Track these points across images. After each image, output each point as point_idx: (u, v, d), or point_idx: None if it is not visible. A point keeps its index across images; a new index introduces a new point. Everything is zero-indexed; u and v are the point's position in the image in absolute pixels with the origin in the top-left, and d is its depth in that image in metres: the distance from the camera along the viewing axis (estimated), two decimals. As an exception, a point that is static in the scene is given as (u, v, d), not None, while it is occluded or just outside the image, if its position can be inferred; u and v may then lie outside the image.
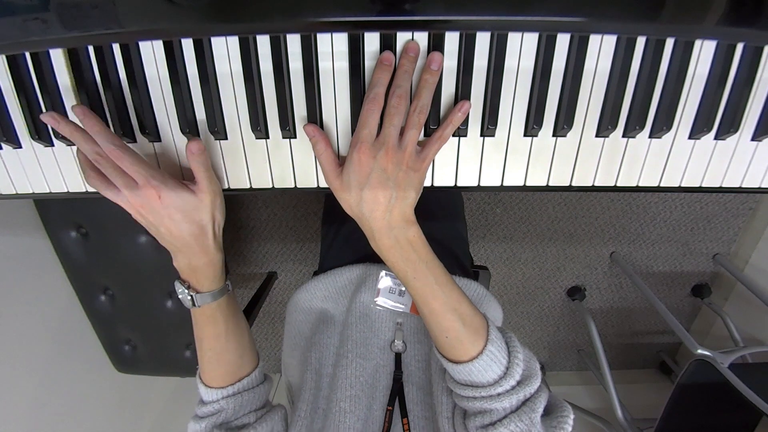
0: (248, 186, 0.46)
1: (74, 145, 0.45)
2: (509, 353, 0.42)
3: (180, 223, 0.39)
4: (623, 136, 0.43)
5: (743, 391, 0.94)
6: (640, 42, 0.40)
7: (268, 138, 0.44)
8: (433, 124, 0.41)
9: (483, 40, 0.39)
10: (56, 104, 0.43)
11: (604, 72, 0.41)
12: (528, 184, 0.45)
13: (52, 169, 0.47)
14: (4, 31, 0.37)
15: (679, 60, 0.40)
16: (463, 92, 0.41)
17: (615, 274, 1.62)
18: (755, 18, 0.35)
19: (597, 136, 0.43)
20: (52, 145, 0.46)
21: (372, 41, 0.40)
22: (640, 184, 0.45)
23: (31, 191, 0.48)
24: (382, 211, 0.39)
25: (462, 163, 0.44)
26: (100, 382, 1.08)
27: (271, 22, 0.37)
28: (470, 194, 1.44)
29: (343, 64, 0.41)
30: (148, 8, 0.36)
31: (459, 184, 0.45)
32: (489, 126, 0.41)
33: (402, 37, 0.39)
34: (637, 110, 0.41)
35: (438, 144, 0.40)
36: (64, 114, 0.43)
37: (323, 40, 0.40)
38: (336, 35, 0.40)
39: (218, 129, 0.42)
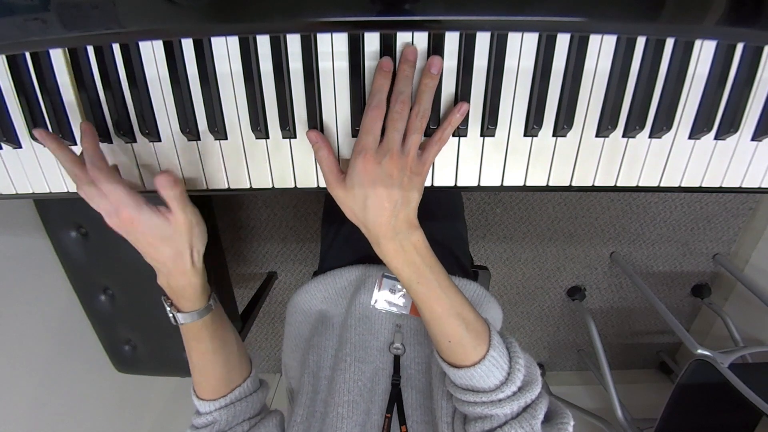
0: (248, 186, 0.46)
1: (75, 145, 0.46)
2: (510, 359, 0.42)
3: (157, 247, 0.40)
4: (623, 136, 0.43)
5: (743, 391, 0.94)
6: (640, 42, 0.40)
7: (268, 138, 0.44)
8: (433, 124, 0.41)
9: (483, 40, 0.39)
10: (56, 104, 0.43)
11: (604, 72, 0.41)
12: (528, 184, 0.45)
13: (52, 169, 0.47)
14: (4, 31, 0.37)
15: (679, 60, 0.40)
16: (463, 92, 0.41)
17: (615, 274, 1.62)
18: (755, 18, 0.35)
19: (597, 136, 0.43)
20: (52, 145, 0.46)
21: (372, 41, 0.40)
22: (640, 184, 0.45)
23: (31, 191, 0.48)
24: (388, 216, 0.39)
25: (462, 163, 0.44)
26: (100, 382, 1.08)
27: (271, 22, 0.37)
28: (470, 194, 1.44)
29: (343, 64, 0.41)
30: (148, 8, 0.36)
31: (459, 184, 0.45)
32: (489, 126, 0.41)
33: (402, 37, 0.39)
34: (637, 110, 0.41)
35: (438, 146, 0.40)
36: (64, 113, 0.44)
37: (323, 40, 0.40)
38: (336, 35, 0.40)
39: (218, 129, 0.42)
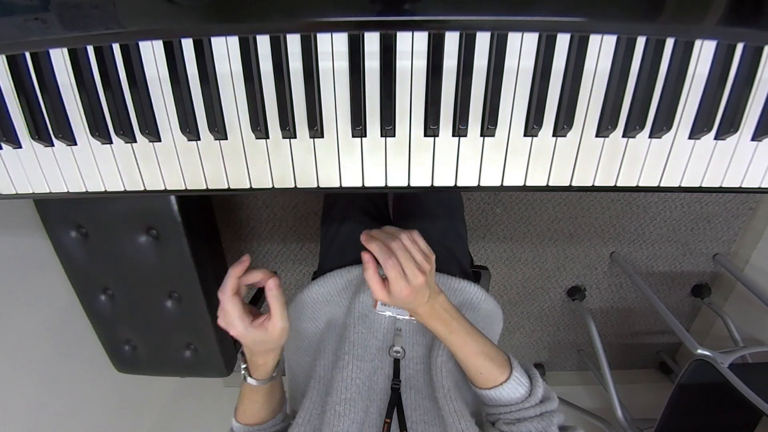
0: (248, 186, 0.46)
1: (75, 145, 0.46)
2: (531, 378, 0.52)
3: (250, 345, 0.50)
4: (623, 136, 0.43)
5: (743, 391, 0.94)
6: (640, 42, 0.40)
7: (268, 138, 0.44)
8: (433, 124, 0.41)
9: (483, 40, 0.39)
10: (56, 104, 0.43)
11: (604, 72, 0.41)
12: (528, 184, 0.45)
13: (52, 169, 0.47)
14: (4, 31, 0.37)
15: (679, 60, 0.40)
16: (463, 92, 0.41)
17: (615, 274, 1.62)
18: (755, 18, 0.35)
19: (597, 136, 0.43)
20: (52, 145, 0.46)
21: (372, 41, 0.40)
22: (640, 184, 0.45)
23: (31, 191, 0.48)
24: (423, 298, 0.50)
25: (462, 163, 0.44)
26: (100, 382, 1.08)
27: (271, 22, 0.37)
28: (470, 194, 1.44)
29: (343, 64, 0.41)
30: (148, 8, 0.36)
31: (459, 184, 0.45)
32: (489, 126, 0.41)
33: (402, 37, 0.39)
34: (637, 110, 0.41)
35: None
36: (64, 113, 0.44)
37: (323, 40, 0.40)
38: (336, 35, 0.40)
39: (218, 129, 0.42)
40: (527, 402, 0.50)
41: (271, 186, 0.46)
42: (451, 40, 0.39)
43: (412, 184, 0.45)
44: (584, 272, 1.61)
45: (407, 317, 0.61)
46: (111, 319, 1.01)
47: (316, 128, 0.42)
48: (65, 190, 0.48)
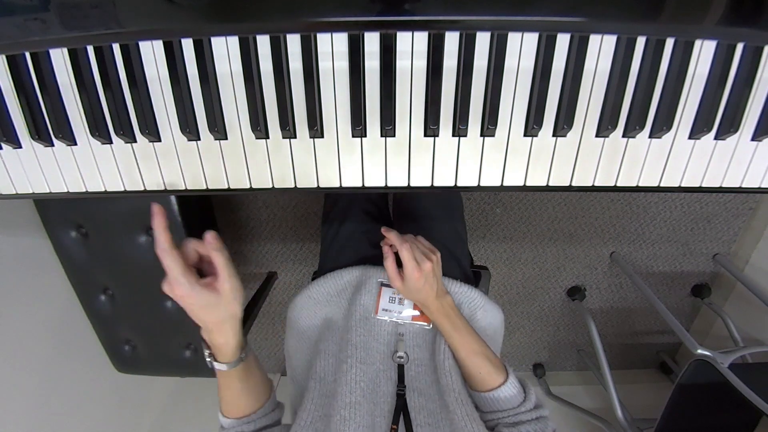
0: (248, 186, 0.46)
1: (75, 145, 0.46)
2: (523, 386, 0.55)
3: (203, 313, 0.46)
4: (623, 136, 0.43)
5: (743, 391, 0.94)
6: (640, 42, 0.40)
7: (268, 138, 0.44)
8: (433, 124, 0.41)
9: (483, 40, 0.39)
10: (56, 104, 0.43)
11: (604, 72, 0.41)
12: (528, 184, 0.45)
13: (52, 169, 0.47)
14: (4, 31, 0.37)
15: (679, 60, 0.40)
16: (463, 92, 0.41)
17: (615, 274, 1.61)
18: (755, 18, 0.35)
19: (597, 136, 0.43)
20: (52, 145, 0.46)
21: (372, 41, 0.40)
22: (640, 184, 0.45)
23: (31, 191, 0.48)
24: (432, 291, 0.57)
25: (462, 163, 0.44)
26: (100, 382, 1.08)
27: (271, 22, 0.37)
28: (470, 194, 1.44)
29: (343, 64, 0.41)
30: (148, 8, 0.36)
31: (459, 184, 0.45)
32: (489, 126, 0.41)
33: (402, 37, 0.39)
34: (637, 110, 0.41)
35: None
36: (64, 113, 0.44)
37: (323, 40, 0.40)
38: (336, 35, 0.40)
39: (218, 129, 0.42)
40: (523, 406, 0.52)
41: (271, 186, 0.46)
42: (451, 40, 0.39)
43: (412, 184, 0.45)
44: (584, 272, 1.61)
45: (409, 322, 0.61)
46: (111, 319, 1.01)
47: (316, 128, 0.42)
48: (65, 190, 0.48)
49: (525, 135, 0.43)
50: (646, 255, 1.57)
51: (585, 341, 1.76)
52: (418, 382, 0.54)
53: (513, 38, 0.39)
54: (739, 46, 0.40)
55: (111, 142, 0.45)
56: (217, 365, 0.50)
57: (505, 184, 0.45)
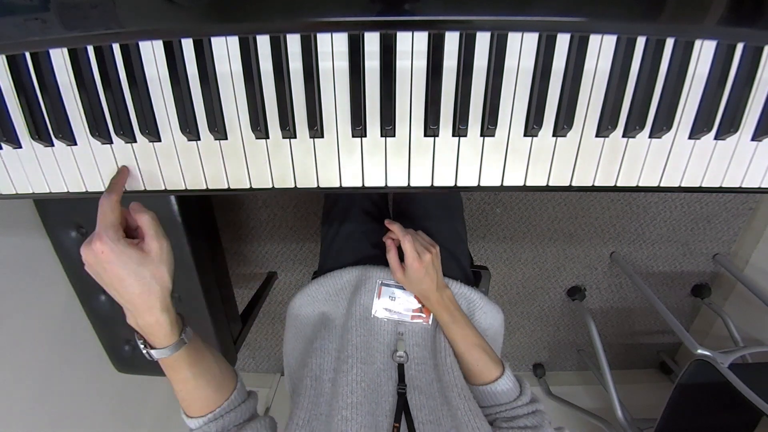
0: (248, 186, 0.46)
1: (75, 145, 0.46)
2: (519, 380, 0.57)
3: (124, 280, 0.40)
4: (623, 136, 0.43)
5: (743, 391, 0.94)
6: (640, 42, 0.40)
7: (268, 138, 0.44)
8: (433, 124, 0.41)
9: (483, 40, 0.39)
10: (56, 104, 0.43)
11: (604, 72, 0.41)
12: (528, 184, 0.45)
13: (52, 169, 0.47)
14: (4, 31, 0.37)
15: (679, 60, 0.40)
16: (463, 92, 0.41)
17: (615, 274, 1.62)
18: (755, 18, 0.35)
19: (597, 136, 0.43)
20: (52, 145, 0.46)
21: (372, 41, 0.40)
22: (640, 184, 0.45)
23: (31, 191, 0.48)
24: (432, 283, 0.59)
25: (462, 163, 0.44)
26: (100, 382, 1.08)
27: (271, 22, 0.37)
28: (470, 194, 1.44)
29: (343, 64, 0.41)
30: (148, 8, 0.36)
31: (459, 184, 0.45)
32: (489, 126, 0.41)
33: (402, 37, 0.39)
34: (637, 110, 0.41)
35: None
36: (64, 113, 0.44)
37: (323, 40, 0.40)
38: (336, 35, 0.40)
39: (218, 129, 0.42)
40: (519, 400, 0.54)
41: (271, 186, 0.46)
42: (451, 40, 0.39)
43: (412, 184, 0.45)
44: (584, 272, 1.61)
45: (408, 320, 0.62)
46: (111, 319, 1.01)
47: (316, 128, 0.42)
48: (65, 190, 0.48)
49: (525, 135, 0.43)
50: (646, 255, 1.58)
51: (585, 341, 1.76)
52: (418, 380, 0.54)
53: (513, 38, 0.39)
54: (739, 46, 0.40)
55: (111, 142, 0.45)
56: (156, 353, 0.44)
57: (505, 184, 0.45)
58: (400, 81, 0.41)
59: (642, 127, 0.42)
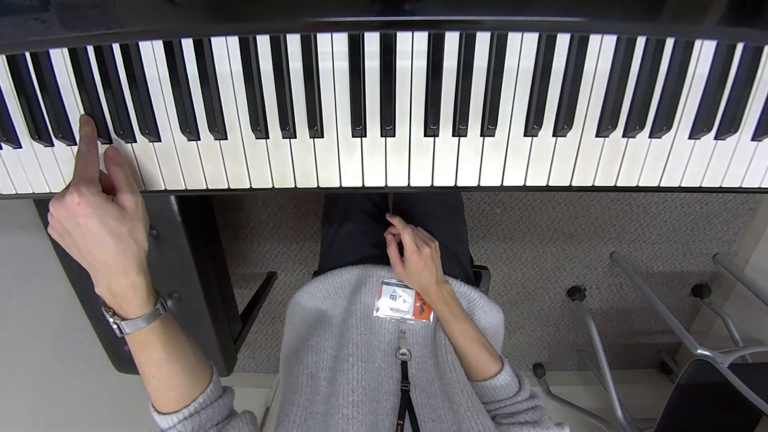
0: (248, 186, 0.46)
1: (75, 145, 0.46)
2: (518, 376, 0.58)
3: (98, 236, 0.36)
4: (623, 136, 0.43)
5: (743, 391, 0.94)
6: (640, 42, 0.40)
7: (268, 138, 0.44)
8: (433, 124, 0.41)
9: (483, 40, 0.39)
10: (56, 104, 0.43)
11: (604, 72, 0.41)
12: (528, 184, 0.45)
13: (52, 169, 0.47)
14: (4, 31, 0.37)
15: (679, 60, 0.40)
16: (463, 92, 0.41)
17: (615, 274, 1.62)
18: (755, 18, 0.35)
19: (597, 136, 0.43)
20: (52, 145, 0.46)
21: (372, 41, 0.40)
22: (640, 184, 0.45)
23: (31, 191, 0.48)
24: (432, 277, 0.60)
25: (462, 163, 0.44)
26: (100, 382, 1.08)
27: (271, 22, 0.37)
28: (470, 194, 1.44)
29: (343, 64, 0.41)
30: (148, 8, 0.36)
31: (459, 184, 0.45)
32: (489, 126, 0.41)
33: (402, 37, 0.39)
34: (637, 110, 0.41)
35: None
36: (64, 113, 0.44)
37: (323, 40, 0.40)
38: (336, 35, 0.40)
39: (218, 129, 0.42)
40: (519, 396, 0.55)
41: (271, 186, 0.46)
42: (451, 40, 0.39)
43: (412, 184, 0.45)
44: (584, 272, 1.61)
45: (409, 318, 0.62)
46: (111, 319, 1.01)
47: (316, 128, 0.42)
48: (65, 190, 0.48)
49: (525, 135, 0.43)
50: (646, 255, 1.58)
51: (585, 341, 1.76)
52: (419, 378, 0.54)
53: (513, 38, 0.39)
54: (739, 46, 0.40)
55: (111, 142, 0.45)
56: (128, 326, 0.39)
57: (505, 184, 0.45)
58: (400, 81, 0.41)
59: (642, 127, 0.42)
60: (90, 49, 0.41)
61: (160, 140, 0.44)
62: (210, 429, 0.45)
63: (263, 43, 0.40)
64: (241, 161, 0.45)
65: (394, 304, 0.62)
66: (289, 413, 0.50)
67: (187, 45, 0.40)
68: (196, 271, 0.91)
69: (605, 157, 0.44)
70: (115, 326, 0.39)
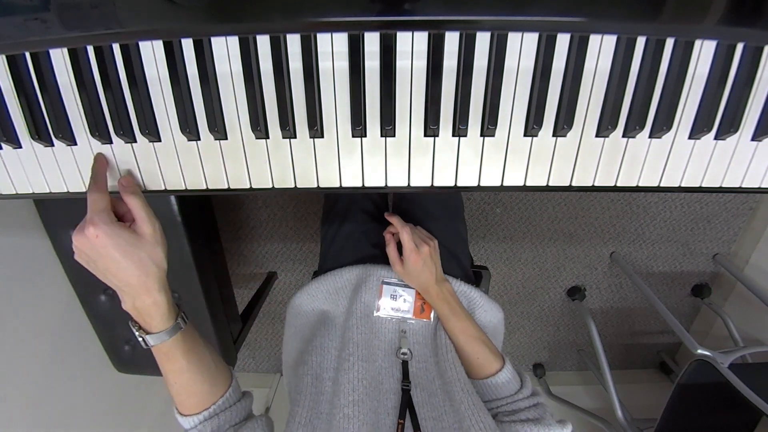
0: (248, 186, 0.46)
1: (75, 145, 0.46)
2: (519, 374, 0.57)
3: (120, 263, 0.40)
4: (623, 136, 0.43)
5: (743, 391, 0.94)
6: (640, 42, 0.40)
7: (268, 138, 0.44)
8: (433, 124, 0.41)
9: (483, 40, 0.39)
10: (56, 104, 0.43)
11: (604, 72, 0.41)
12: (528, 184, 0.45)
13: (52, 169, 0.47)
14: (4, 31, 0.37)
15: (679, 60, 0.40)
16: (463, 92, 0.41)
17: (615, 274, 1.62)
18: (755, 18, 0.35)
19: (597, 136, 0.43)
20: (52, 145, 0.46)
21: (372, 41, 0.40)
22: (640, 184, 0.45)
23: (31, 191, 0.48)
24: (432, 275, 0.60)
25: (462, 163, 0.44)
26: (100, 382, 1.08)
27: (271, 22, 0.37)
28: (470, 194, 1.44)
29: (343, 64, 0.41)
30: (148, 8, 0.36)
31: (459, 185, 0.45)
32: (489, 126, 0.41)
33: (402, 37, 0.39)
34: (637, 110, 0.41)
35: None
36: (64, 113, 0.44)
37: (323, 40, 0.40)
38: (336, 35, 0.40)
39: (218, 129, 0.42)
40: (520, 393, 0.54)
41: (271, 186, 0.46)
42: (451, 40, 0.39)
43: (412, 184, 0.45)
44: (584, 272, 1.61)
45: (410, 318, 0.62)
46: (111, 319, 1.01)
47: (316, 128, 0.42)
48: (65, 190, 0.48)
49: (525, 135, 0.43)
50: (646, 255, 1.58)
51: (585, 341, 1.76)
52: (420, 377, 0.54)
53: (513, 38, 0.39)
54: (739, 46, 0.40)
55: (111, 142, 0.45)
56: (152, 339, 0.43)
57: (505, 184, 0.45)
58: (400, 81, 0.41)
59: (642, 127, 0.42)
60: (90, 49, 0.41)
61: (160, 140, 0.44)
62: (228, 429, 0.48)
63: (263, 43, 0.40)
64: (241, 161, 0.45)
65: (394, 303, 0.62)
66: (294, 414, 0.50)
67: (187, 45, 0.40)
68: (196, 271, 0.91)
69: (605, 157, 0.44)
70: (140, 339, 0.43)
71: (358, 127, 0.42)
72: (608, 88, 0.41)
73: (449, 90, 0.41)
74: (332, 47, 0.40)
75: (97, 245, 0.39)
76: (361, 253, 0.72)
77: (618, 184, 0.45)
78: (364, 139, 0.44)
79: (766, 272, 1.40)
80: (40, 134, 0.44)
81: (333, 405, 0.49)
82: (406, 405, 0.49)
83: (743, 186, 0.46)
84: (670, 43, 0.40)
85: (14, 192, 0.49)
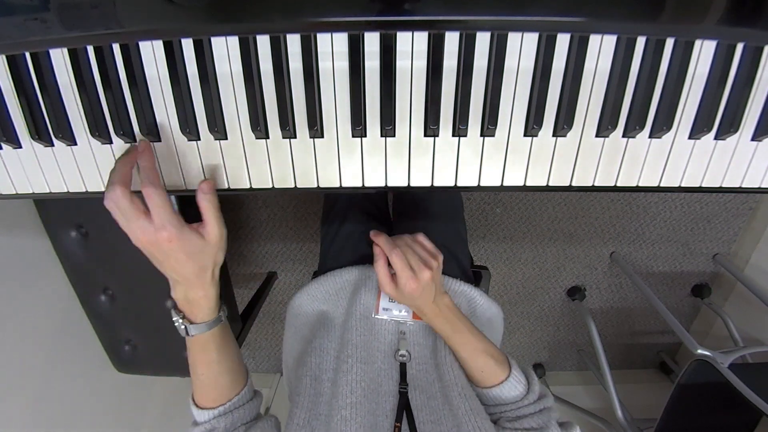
0: (248, 186, 0.46)
1: (75, 145, 0.46)
2: (527, 377, 0.54)
3: (184, 263, 0.42)
4: (623, 136, 0.43)
5: (743, 391, 0.94)
6: (640, 42, 0.40)
7: (268, 138, 0.44)
8: (433, 124, 0.41)
9: (483, 40, 0.39)
10: (56, 104, 0.43)
11: (604, 72, 0.41)
12: (528, 184, 0.45)
13: (52, 169, 0.47)
14: (4, 31, 0.37)
15: (679, 60, 0.40)
16: (463, 92, 0.41)
17: (615, 274, 1.62)
18: (755, 18, 0.35)
19: (597, 136, 0.43)
20: (52, 145, 0.46)
21: (372, 41, 0.40)
22: (640, 184, 0.45)
23: (31, 191, 0.48)
24: (429, 298, 0.52)
25: (462, 163, 0.44)
26: (100, 382, 1.08)
27: (271, 22, 0.37)
28: (470, 194, 1.44)
29: (343, 64, 0.41)
30: (148, 8, 0.36)
31: (459, 185, 0.45)
32: (489, 126, 0.41)
33: (402, 37, 0.39)
34: (637, 110, 0.41)
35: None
36: (64, 113, 0.44)
37: (323, 40, 0.40)
38: (336, 35, 0.40)
39: (218, 129, 0.42)
40: (526, 399, 0.52)
41: (271, 186, 0.46)
42: (451, 40, 0.39)
43: (412, 184, 0.45)
44: (584, 272, 1.62)
45: (410, 320, 0.61)
46: (111, 319, 1.01)
47: (316, 128, 0.42)
48: (65, 190, 0.48)
49: (525, 135, 0.43)
50: (646, 255, 1.58)
51: (585, 341, 1.76)
52: (419, 380, 0.53)
53: (513, 38, 0.39)
54: (739, 46, 0.40)
55: (111, 142, 0.45)
56: (194, 329, 0.45)
57: (505, 184, 0.45)
58: (400, 81, 0.41)
59: (642, 127, 0.42)
60: (90, 49, 0.41)
61: (159, 140, 0.44)
62: (239, 427, 0.50)
63: (263, 43, 0.40)
64: (241, 161, 0.45)
65: (393, 305, 0.62)
66: (293, 416, 0.50)
67: (187, 45, 0.40)
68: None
69: (605, 157, 0.44)
70: (183, 327, 0.45)
71: (358, 127, 0.42)
72: (608, 88, 0.41)
73: (449, 90, 0.41)
74: (332, 47, 0.40)
75: (166, 248, 0.40)
76: (361, 253, 0.72)
77: (618, 184, 0.45)
78: (364, 139, 0.44)
79: (766, 272, 1.40)
80: (40, 134, 0.44)
81: (331, 407, 0.49)
82: (404, 408, 0.49)
83: (743, 186, 0.46)
84: (670, 43, 0.40)
85: (14, 192, 0.49)
